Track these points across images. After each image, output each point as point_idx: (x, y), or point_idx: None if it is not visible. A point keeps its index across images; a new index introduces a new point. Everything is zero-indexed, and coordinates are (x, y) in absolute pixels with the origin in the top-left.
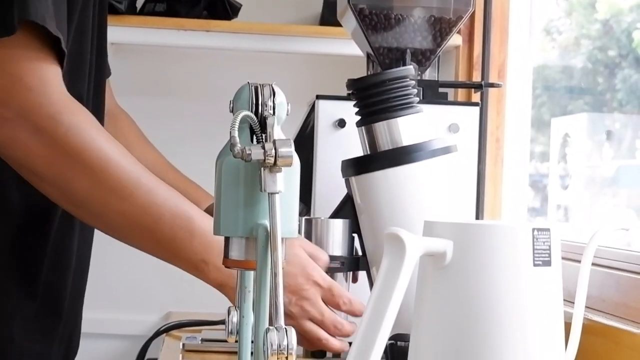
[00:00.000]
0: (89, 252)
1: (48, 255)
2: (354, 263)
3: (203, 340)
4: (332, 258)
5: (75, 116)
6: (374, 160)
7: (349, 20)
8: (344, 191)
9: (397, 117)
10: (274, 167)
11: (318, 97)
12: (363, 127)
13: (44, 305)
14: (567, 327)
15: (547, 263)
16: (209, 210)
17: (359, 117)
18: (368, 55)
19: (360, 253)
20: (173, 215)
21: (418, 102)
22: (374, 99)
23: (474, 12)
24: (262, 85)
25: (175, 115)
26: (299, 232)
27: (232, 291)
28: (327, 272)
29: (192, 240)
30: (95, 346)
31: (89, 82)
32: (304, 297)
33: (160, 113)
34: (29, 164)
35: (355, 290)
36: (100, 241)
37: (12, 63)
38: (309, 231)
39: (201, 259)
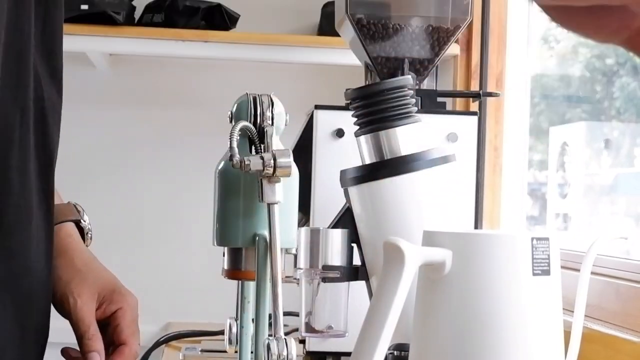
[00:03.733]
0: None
1: None
2: (353, 273)
3: (203, 350)
4: (331, 268)
5: None
6: (373, 170)
7: (347, 30)
8: (343, 201)
9: (395, 126)
10: (272, 178)
11: (316, 107)
12: (361, 137)
13: None
14: (567, 335)
15: (546, 272)
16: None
17: (357, 127)
18: (366, 65)
19: (359, 263)
20: None
21: (416, 112)
22: (372, 109)
23: (471, 22)
24: (261, 95)
25: (174, 126)
26: (298, 242)
27: None
28: (324, 282)
29: None
30: None
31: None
32: None
33: (159, 123)
34: None
35: (354, 300)
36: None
37: None
38: (308, 241)
39: None
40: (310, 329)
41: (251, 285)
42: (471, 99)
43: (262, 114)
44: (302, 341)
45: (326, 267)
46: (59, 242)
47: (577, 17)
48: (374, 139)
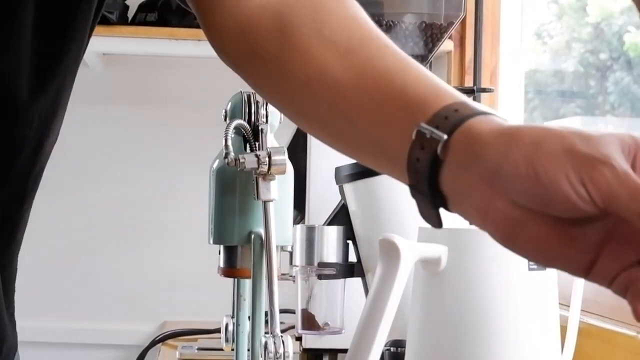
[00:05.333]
0: None
1: None
2: (349, 270)
3: (199, 349)
4: (327, 265)
5: None
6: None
7: None
8: (338, 198)
9: None
10: (267, 175)
11: None
12: None
13: None
14: (563, 330)
15: (542, 267)
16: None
17: None
18: None
19: (355, 260)
20: None
21: None
22: None
23: (465, 18)
24: (255, 93)
25: (168, 125)
26: (294, 239)
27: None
28: (320, 279)
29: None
30: (91, 357)
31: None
32: None
33: (153, 122)
34: None
35: (350, 297)
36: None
37: None
38: (304, 238)
39: None
40: (306, 326)
41: (247, 283)
42: (465, 95)
43: (257, 112)
44: (299, 338)
45: (322, 264)
46: None
47: None
48: None
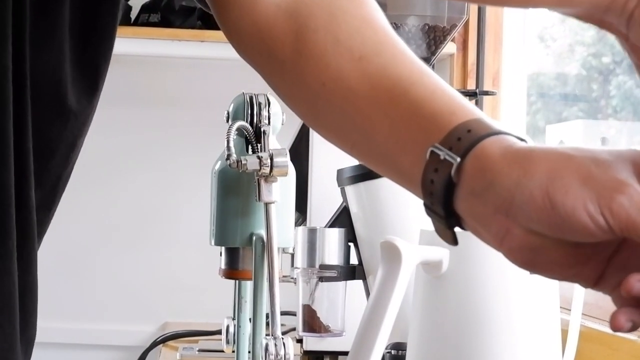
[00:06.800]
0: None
1: None
2: (350, 272)
3: (200, 350)
4: (328, 267)
5: None
6: (370, 169)
7: None
8: (340, 200)
9: None
10: (269, 177)
11: None
12: None
13: None
14: (564, 334)
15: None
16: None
17: None
18: None
19: (356, 262)
20: None
21: None
22: None
23: (468, 20)
24: (257, 95)
25: (170, 126)
26: (295, 241)
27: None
28: (321, 281)
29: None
30: (92, 357)
31: None
32: None
33: (154, 123)
34: None
35: (351, 299)
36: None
37: None
38: (306, 240)
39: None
40: (307, 328)
41: (248, 285)
42: (468, 98)
43: (259, 113)
44: (300, 340)
45: (323, 267)
46: None
47: None
48: None
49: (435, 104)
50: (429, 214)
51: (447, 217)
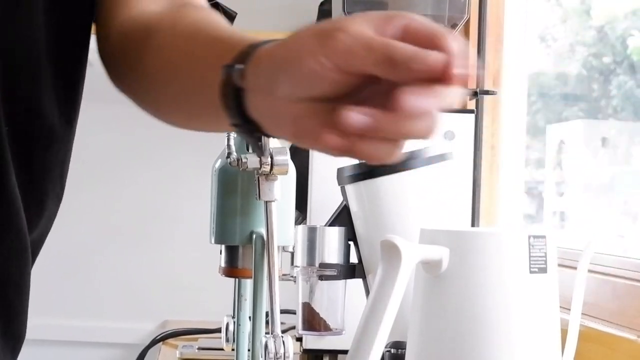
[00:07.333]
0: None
1: None
2: (350, 271)
3: (200, 348)
4: (328, 266)
5: None
6: (370, 167)
7: None
8: (340, 199)
9: None
10: (270, 176)
11: None
12: None
13: None
14: (564, 334)
15: (543, 270)
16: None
17: None
18: None
19: (356, 261)
20: None
21: None
22: None
23: (468, 20)
24: None
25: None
26: (295, 240)
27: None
28: (321, 280)
29: None
30: (91, 355)
31: None
32: None
33: (154, 122)
34: None
35: (351, 298)
36: (96, 250)
37: None
38: (305, 239)
39: None
40: (307, 326)
41: (248, 283)
42: (468, 97)
43: None
44: (299, 339)
45: (323, 265)
46: None
47: None
48: None
49: (233, 39)
50: (237, 132)
51: (244, 123)
